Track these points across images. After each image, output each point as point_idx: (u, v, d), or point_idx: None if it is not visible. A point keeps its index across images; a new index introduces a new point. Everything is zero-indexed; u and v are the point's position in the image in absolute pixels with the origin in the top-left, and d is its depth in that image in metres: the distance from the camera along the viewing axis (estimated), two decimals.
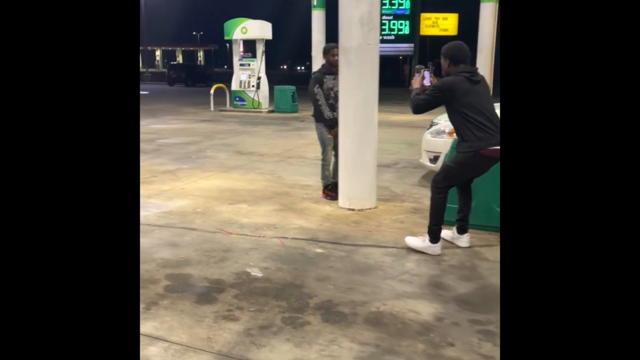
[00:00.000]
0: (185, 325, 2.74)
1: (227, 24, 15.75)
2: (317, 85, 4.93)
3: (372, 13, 4.50)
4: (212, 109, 16.10)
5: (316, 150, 6.16)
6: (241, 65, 15.83)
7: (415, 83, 3.65)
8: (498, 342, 2.58)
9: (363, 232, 4.28)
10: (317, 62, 14.83)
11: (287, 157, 7.83)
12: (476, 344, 2.58)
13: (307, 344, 2.56)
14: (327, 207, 4.97)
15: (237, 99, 15.96)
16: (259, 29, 15.28)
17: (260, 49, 15.46)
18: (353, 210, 4.85)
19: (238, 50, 16.05)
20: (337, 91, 4.84)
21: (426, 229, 3.76)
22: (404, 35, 28.16)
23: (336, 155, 5.08)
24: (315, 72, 5.12)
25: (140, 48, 60.77)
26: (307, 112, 14.68)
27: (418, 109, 3.58)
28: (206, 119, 13.87)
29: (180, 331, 2.68)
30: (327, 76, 4.99)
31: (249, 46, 16.79)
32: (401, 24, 28.00)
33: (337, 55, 4.71)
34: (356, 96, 4.64)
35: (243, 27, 15.43)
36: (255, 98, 15.67)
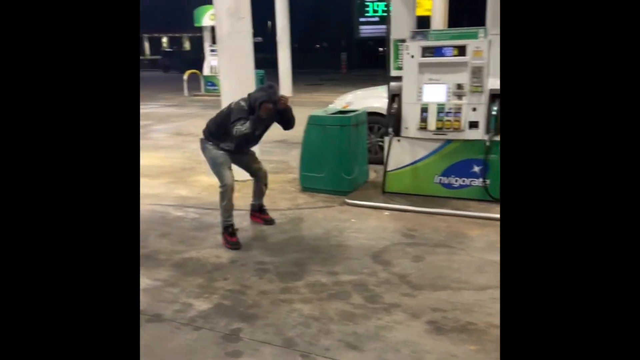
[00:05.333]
0: None
1: (197, 11, 16.29)
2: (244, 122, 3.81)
3: (240, 4, 5.05)
4: (186, 94, 16.70)
5: None
6: (212, 51, 16.37)
7: None
8: (266, 276, 3.19)
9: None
10: (282, 46, 15.33)
11: None
12: (246, 278, 3.19)
13: None
14: (212, 179, 5.58)
15: (209, 83, 16.53)
16: None
17: None
18: (236, 181, 5.44)
19: (209, 36, 16.59)
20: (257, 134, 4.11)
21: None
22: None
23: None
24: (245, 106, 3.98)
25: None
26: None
27: None
28: (174, 104, 14.51)
29: None
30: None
31: None
32: (386, 5, 28.31)
33: (269, 109, 3.82)
34: (231, 78, 5.22)
35: (212, 14, 15.93)
36: None
